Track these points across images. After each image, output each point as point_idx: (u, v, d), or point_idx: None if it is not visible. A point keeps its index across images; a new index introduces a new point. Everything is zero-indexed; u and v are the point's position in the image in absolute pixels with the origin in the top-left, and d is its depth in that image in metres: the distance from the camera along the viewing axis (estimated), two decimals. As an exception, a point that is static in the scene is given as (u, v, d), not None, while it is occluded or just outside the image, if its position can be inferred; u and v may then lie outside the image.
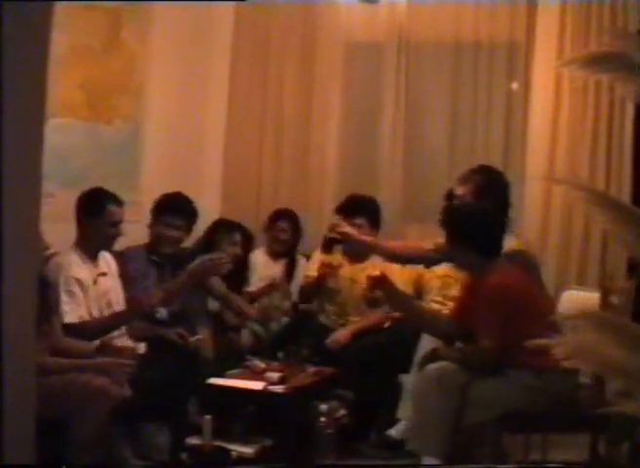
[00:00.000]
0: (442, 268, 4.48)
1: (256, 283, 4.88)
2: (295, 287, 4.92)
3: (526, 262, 3.85)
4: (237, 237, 4.63)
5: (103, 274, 3.87)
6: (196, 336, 4.02)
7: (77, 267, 3.74)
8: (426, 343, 3.93)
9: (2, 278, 1.89)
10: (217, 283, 4.37)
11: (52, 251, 3.63)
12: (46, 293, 3.35)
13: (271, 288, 4.79)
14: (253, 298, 4.76)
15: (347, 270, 4.73)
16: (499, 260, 3.59)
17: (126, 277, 4.02)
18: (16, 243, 1.93)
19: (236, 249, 4.59)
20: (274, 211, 5.13)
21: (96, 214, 3.79)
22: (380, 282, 3.71)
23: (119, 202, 3.86)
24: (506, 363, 3.41)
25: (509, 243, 3.74)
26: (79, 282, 3.71)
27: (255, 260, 5.00)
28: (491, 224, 3.64)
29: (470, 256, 3.57)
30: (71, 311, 3.63)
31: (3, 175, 1.88)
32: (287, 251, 5.05)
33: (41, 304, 3.25)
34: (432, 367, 3.53)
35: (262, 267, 4.98)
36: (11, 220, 1.90)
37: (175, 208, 4.25)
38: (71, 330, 3.57)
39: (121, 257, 4.07)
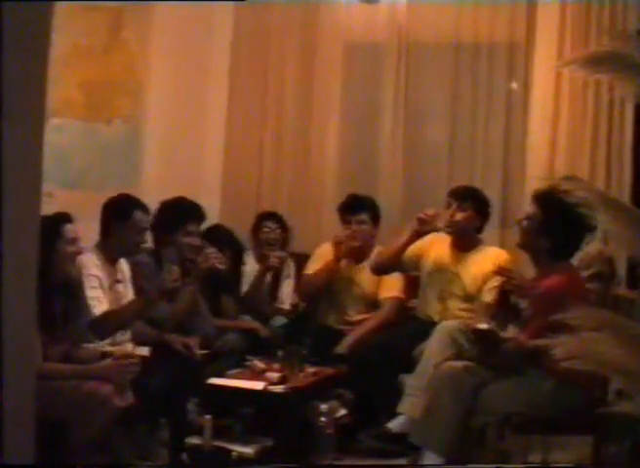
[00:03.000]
0: (445, 262, 4.47)
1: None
2: (284, 288, 4.92)
3: (605, 267, 3.97)
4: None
5: (119, 281, 3.87)
6: (202, 351, 4.00)
7: (96, 268, 3.75)
8: (434, 342, 3.93)
9: (2, 278, 1.89)
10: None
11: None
12: (72, 296, 3.37)
13: (263, 273, 4.76)
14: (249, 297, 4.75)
15: (347, 271, 4.72)
16: (566, 262, 3.59)
17: (139, 288, 3.96)
18: (16, 243, 1.93)
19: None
20: (259, 214, 5.08)
21: (123, 219, 3.81)
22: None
23: (145, 209, 3.89)
24: (534, 364, 3.40)
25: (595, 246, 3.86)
26: (100, 280, 3.73)
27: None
28: (581, 228, 3.56)
29: (546, 247, 3.55)
30: (95, 308, 3.64)
31: (3, 175, 1.88)
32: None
33: (65, 305, 3.30)
34: (447, 365, 3.54)
35: (251, 273, 4.86)
36: (11, 220, 1.90)
37: (190, 215, 4.22)
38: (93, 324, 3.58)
39: (132, 266, 4.02)
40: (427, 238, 4.51)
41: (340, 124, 5.37)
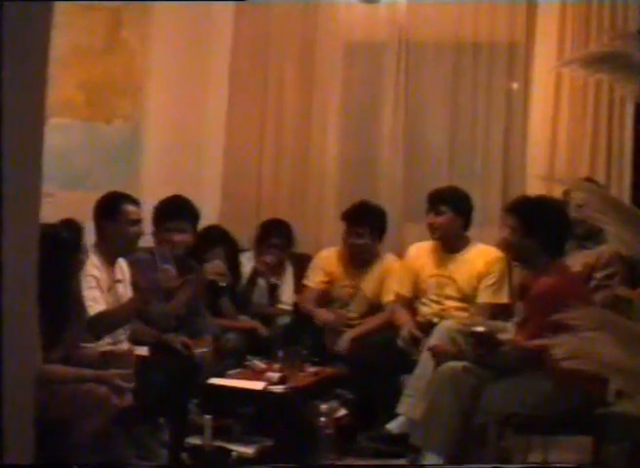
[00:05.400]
0: (436, 268, 4.49)
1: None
2: (284, 289, 4.91)
3: (621, 267, 3.97)
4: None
5: (118, 281, 3.88)
6: (201, 349, 4.00)
7: (95, 269, 3.75)
8: (434, 342, 3.93)
9: (2, 279, 1.89)
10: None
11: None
12: (71, 297, 3.37)
13: (254, 276, 4.76)
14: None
15: (350, 277, 4.73)
16: (560, 261, 3.60)
17: (137, 286, 3.96)
18: (16, 243, 1.93)
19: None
20: (266, 222, 5.01)
21: (111, 215, 3.82)
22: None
23: (134, 201, 3.88)
24: (533, 365, 3.40)
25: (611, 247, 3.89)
26: (98, 281, 3.73)
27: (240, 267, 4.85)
28: (564, 223, 3.62)
29: (534, 251, 3.56)
30: (91, 308, 3.64)
31: (3, 175, 1.88)
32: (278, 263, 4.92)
33: (66, 309, 3.29)
34: (447, 366, 3.54)
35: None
36: (11, 220, 1.90)
37: (180, 212, 4.23)
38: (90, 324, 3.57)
39: (132, 265, 4.01)
40: (411, 251, 4.55)
41: (340, 124, 5.36)
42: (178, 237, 4.19)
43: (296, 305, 4.88)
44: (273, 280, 4.86)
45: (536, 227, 3.56)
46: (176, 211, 4.24)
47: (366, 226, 4.60)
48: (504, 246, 3.88)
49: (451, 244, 4.46)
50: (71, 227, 3.33)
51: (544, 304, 3.37)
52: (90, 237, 3.86)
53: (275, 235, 4.91)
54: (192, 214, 4.28)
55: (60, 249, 3.19)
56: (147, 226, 4.20)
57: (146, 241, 4.24)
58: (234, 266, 4.74)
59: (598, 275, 4.06)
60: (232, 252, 4.72)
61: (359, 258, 4.70)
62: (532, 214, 3.60)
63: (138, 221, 3.87)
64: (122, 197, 3.88)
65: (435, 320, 4.31)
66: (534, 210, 3.63)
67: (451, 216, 4.40)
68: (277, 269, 4.89)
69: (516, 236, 3.63)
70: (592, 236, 4.14)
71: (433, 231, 4.44)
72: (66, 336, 3.31)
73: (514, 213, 3.67)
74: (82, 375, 3.21)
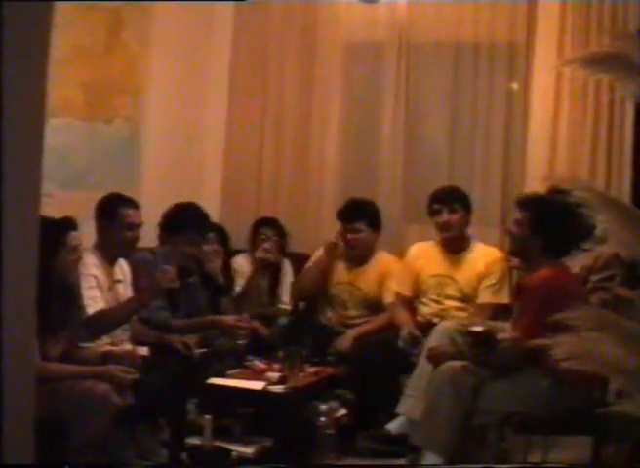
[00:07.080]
0: (436, 268, 4.49)
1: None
2: (283, 289, 4.91)
3: (620, 269, 3.95)
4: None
5: (118, 281, 3.88)
6: (201, 350, 4.01)
7: (95, 268, 3.77)
8: (433, 342, 3.93)
9: (2, 278, 1.89)
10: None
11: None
12: (69, 297, 3.37)
13: (256, 271, 4.75)
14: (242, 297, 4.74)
15: (347, 274, 4.72)
16: (556, 260, 3.60)
17: (138, 286, 3.97)
18: (16, 243, 1.93)
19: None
20: (256, 221, 5.05)
21: (110, 217, 3.84)
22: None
23: (134, 205, 3.89)
24: (530, 363, 3.40)
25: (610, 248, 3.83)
26: (97, 280, 3.74)
27: (238, 268, 4.87)
28: (572, 225, 3.62)
29: (537, 248, 3.56)
30: (90, 307, 3.64)
31: (3, 175, 1.88)
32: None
33: (63, 309, 3.29)
34: (447, 366, 3.54)
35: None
36: (11, 220, 1.90)
37: (198, 225, 4.23)
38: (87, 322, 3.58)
39: (133, 266, 4.02)
40: (411, 251, 4.55)
41: (340, 124, 5.36)
42: (190, 249, 4.20)
43: (295, 305, 4.88)
44: (283, 275, 4.84)
45: (543, 225, 3.56)
46: (190, 222, 4.22)
47: (361, 221, 4.63)
48: (508, 239, 3.85)
49: (455, 243, 4.46)
50: (57, 223, 3.30)
51: (538, 297, 3.39)
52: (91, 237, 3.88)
53: (267, 228, 4.93)
54: (206, 226, 4.31)
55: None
56: (148, 227, 4.21)
57: (149, 241, 4.25)
58: (227, 266, 4.74)
59: (594, 277, 4.06)
60: (224, 243, 4.73)
61: (357, 256, 4.70)
62: (542, 212, 3.59)
63: (135, 225, 3.87)
64: (121, 200, 3.88)
65: (435, 320, 4.31)
66: (544, 207, 3.62)
67: (463, 214, 4.43)
68: (276, 268, 4.90)
69: (522, 231, 3.62)
70: (589, 237, 4.13)
71: (448, 229, 4.43)
72: (64, 333, 3.31)
73: (524, 207, 3.66)
74: (80, 372, 3.21)
